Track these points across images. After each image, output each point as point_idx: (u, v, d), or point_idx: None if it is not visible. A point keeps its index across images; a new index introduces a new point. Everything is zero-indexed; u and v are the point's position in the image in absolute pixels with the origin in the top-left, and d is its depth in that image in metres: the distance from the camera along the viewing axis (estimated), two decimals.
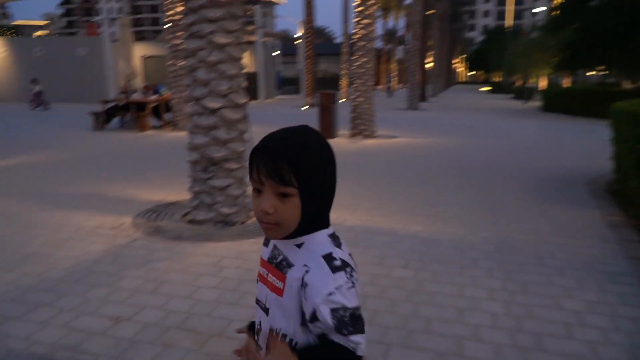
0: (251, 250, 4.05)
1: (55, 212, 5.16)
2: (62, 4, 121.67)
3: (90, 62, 24.68)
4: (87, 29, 34.61)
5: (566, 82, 34.95)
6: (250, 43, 31.24)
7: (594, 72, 28.43)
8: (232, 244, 4.21)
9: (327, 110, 11.51)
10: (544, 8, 56.63)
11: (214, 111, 4.61)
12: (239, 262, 3.79)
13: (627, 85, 52.11)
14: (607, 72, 21.82)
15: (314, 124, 14.26)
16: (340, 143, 10.95)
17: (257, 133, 10.59)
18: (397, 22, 54.23)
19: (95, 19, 66.06)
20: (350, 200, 5.80)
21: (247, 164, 5.15)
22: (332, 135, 11.67)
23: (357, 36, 11.69)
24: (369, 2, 11.45)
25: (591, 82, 59.06)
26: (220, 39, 4.52)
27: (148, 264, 3.71)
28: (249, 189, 5.08)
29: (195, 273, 3.56)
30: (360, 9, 11.51)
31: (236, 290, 3.28)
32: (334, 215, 4.32)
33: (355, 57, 11.83)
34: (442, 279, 3.57)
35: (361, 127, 11.90)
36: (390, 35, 67.44)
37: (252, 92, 27.86)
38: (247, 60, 29.37)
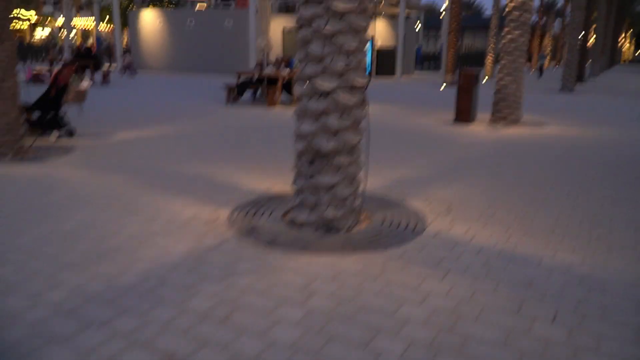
0: (352, 271, 3.30)
1: (156, 196, 4.88)
2: None
3: (236, 34, 25.45)
4: (238, 1, 36.03)
5: None
6: (393, 17, 30.01)
7: None
8: (330, 258, 3.49)
9: (466, 92, 10.21)
10: None
11: (326, 93, 3.87)
12: (334, 287, 3.06)
13: None
14: None
15: (451, 105, 13.00)
16: (478, 130, 9.64)
17: (385, 111, 9.76)
18: None
19: None
20: (484, 209, 4.75)
21: (360, 158, 4.42)
22: (470, 120, 10.36)
23: (512, 4, 10.13)
24: None
25: None
26: (340, 5, 3.73)
27: (229, 277, 3.15)
28: (361, 188, 4.31)
29: (278, 298, 2.90)
30: None
31: (321, 333, 2.56)
32: (460, 229, 3.34)
33: (507, 30, 10.30)
34: (608, 347, 2.51)
35: (505, 111, 10.41)
36: (547, 8, 61.15)
37: (389, 68, 26.81)
38: (387, 34, 28.28)
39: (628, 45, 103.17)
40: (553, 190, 5.45)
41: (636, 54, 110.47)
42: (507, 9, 10.23)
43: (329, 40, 3.79)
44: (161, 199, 4.77)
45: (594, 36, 35.94)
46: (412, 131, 9.30)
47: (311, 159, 4.00)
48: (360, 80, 3.92)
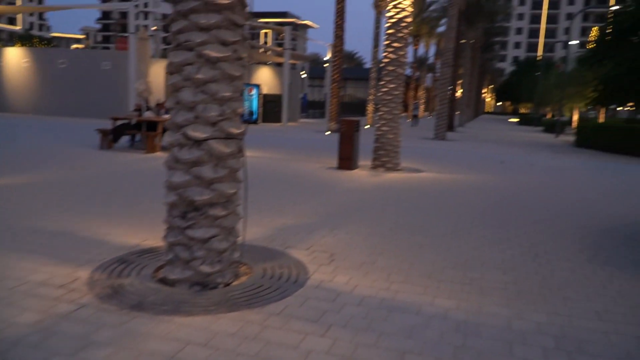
0: (228, 332, 3.05)
1: (5, 256, 4.26)
2: (100, 19, 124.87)
3: (114, 77, 24.34)
4: (118, 43, 34.73)
5: (601, 117, 33.44)
6: (279, 65, 30.70)
7: (621, 108, 26.98)
8: (205, 319, 3.21)
9: (348, 139, 10.55)
10: (577, 42, 55.17)
11: (199, 142, 3.67)
12: (206, 354, 2.78)
13: None
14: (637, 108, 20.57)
15: (335, 151, 13.35)
16: (360, 176, 9.94)
17: (269, 159, 9.66)
18: (428, 49, 53.56)
19: (126, 34, 67.09)
20: (365, 256, 4.76)
21: (238, 209, 4.23)
22: (353, 167, 10.67)
23: (387, 60, 10.78)
24: (402, 24, 10.55)
25: (621, 118, 57.16)
26: (213, 52, 3.61)
27: (84, 351, 2.73)
28: (240, 240, 4.10)
29: None
30: (391, 31, 10.62)
31: None
32: (342, 279, 3.21)
33: (383, 82, 10.90)
34: None
35: (384, 158, 10.89)
36: (419, 63, 66.78)
37: (276, 114, 27.20)
38: (274, 82, 28.83)
39: (489, 98, 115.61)
40: (430, 234, 5.65)
41: (497, 104, 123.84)
42: (382, 64, 10.86)
43: (202, 88, 3.63)
44: (9, 259, 4.16)
45: (461, 89, 39.70)
46: (296, 178, 9.32)
47: (184, 212, 3.73)
48: (236, 129, 3.79)
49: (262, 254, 4.63)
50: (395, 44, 10.53)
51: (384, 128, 10.84)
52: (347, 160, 10.51)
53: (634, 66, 17.20)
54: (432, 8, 39.46)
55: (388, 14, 10.61)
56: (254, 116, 26.28)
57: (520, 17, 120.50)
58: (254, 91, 26.00)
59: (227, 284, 3.83)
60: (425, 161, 13.19)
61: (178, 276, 3.73)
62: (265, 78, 28.13)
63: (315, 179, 9.25)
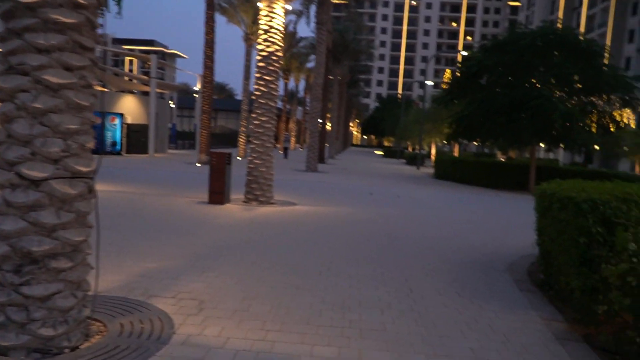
0: None
1: None
2: None
3: None
4: None
5: (455, 151, 36.80)
6: (145, 94, 29.25)
7: (473, 142, 30.28)
8: None
9: (219, 172, 10.13)
10: (432, 82, 60.74)
11: (37, 183, 3.09)
12: None
13: (500, 156, 56.58)
14: (487, 143, 23.02)
15: (206, 184, 12.77)
16: (232, 211, 9.54)
17: (132, 194, 8.83)
18: (298, 83, 55.10)
19: None
20: (238, 302, 4.40)
21: (88, 259, 3.64)
22: (224, 201, 10.25)
23: (258, 93, 10.64)
24: (273, 58, 10.53)
25: (471, 152, 63.62)
26: (54, 78, 3.09)
27: None
28: (91, 293, 3.53)
29: None
30: (262, 64, 10.53)
31: None
32: (213, 331, 2.77)
33: (255, 115, 10.72)
34: None
35: (257, 192, 10.63)
36: (290, 96, 68.41)
37: (141, 145, 25.70)
38: (139, 111, 27.32)
39: (356, 131, 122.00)
40: (306, 274, 5.45)
41: (364, 137, 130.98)
42: (253, 96, 10.71)
43: (40, 119, 3.08)
44: None
45: (330, 123, 41.20)
46: (162, 215, 8.66)
47: (18, 265, 3.10)
48: (84, 167, 3.27)
49: (119, 307, 4.05)
50: (267, 77, 10.46)
51: (257, 161, 10.62)
52: (218, 195, 10.06)
53: (481, 106, 19.02)
54: (301, 44, 40.78)
55: (259, 47, 10.55)
56: (118, 147, 24.57)
57: (382, 57, 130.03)
58: (117, 121, 24.37)
59: (75, 348, 3.24)
60: (298, 193, 13.19)
61: (12, 342, 3.06)
62: (129, 107, 26.56)
63: (183, 216, 8.67)
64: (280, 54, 10.58)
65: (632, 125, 37.29)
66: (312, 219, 9.17)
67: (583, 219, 4.34)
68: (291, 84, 60.28)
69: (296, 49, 41.48)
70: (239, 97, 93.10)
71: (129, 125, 25.52)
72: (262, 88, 10.54)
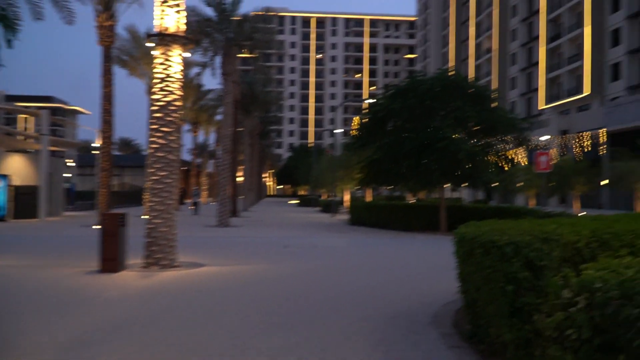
0: None
1: None
2: None
3: None
4: None
5: (368, 195, 37.26)
6: (37, 152, 26.91)
7: (384, 187, 30.83)
8: None
9: (111, 236, 8.99)
10: (341, 130, 62.22)
11: None
12: None
13: (410, 198, 58.49)
14: (397, 186, 23.46)
15: (96, 248, 11.39)
16: (127, 280, 8.40)
17: (10, 267, 7.34)
18: (208, 136, 54.08)
19: None
20: None
21: None
22: (118, 268, 9.07)
23: (155, 146, 9.76)
24: (171, 108, 9.76)
25: (383, 196, 65.22)
26: None
27: None
28: None
29: None
30: (159, 115, 9.72)
31: None
32: None
33: (152, 170, 9.79)
34: None
35: (158, 255, 9.56)
36: (201, 149, 66.99)
37: (31, 209, 23.29)
38: (29, 172, 24.95)
39: (271, 181, 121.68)
40: (207, 356, 4.60)
41: (278, 188, 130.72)
42: (149, 150, 9.82)
43: None
44: None
45: (243, 175, 40.42)
46: (41, 292, 7.37)
47: None
48: None
49: None
50: (165, 129, 9.64)
51: (156, 220, 9.61)
52: (111, 262, 8.89)
53: (389, 151, 19.25)
54: (210, 97, 40.14)
55: (154, 97, 9.77)
56: (2, 212, 22.07)
57: (292, 108, 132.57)
58: (2, 183, 22.00)
59: None
60: (207, 252, 12.19)
61: None
62: (17, 167, 24.16)
63: (67, 291, 7.43)
64: (179, 103, 9.85)
65: (524, 163, 40.07)
66: (221, 282, 8.27)
67: (508, 264, 3.96)
68: (201, 137, 59.11)
69: (204, 101, 40.77)
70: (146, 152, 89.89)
71: (16, 187, 23.10)
72: (159, 140, 9.68)
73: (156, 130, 9.67)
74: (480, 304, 4.47)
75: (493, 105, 19.50)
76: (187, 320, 5.77)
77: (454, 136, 17.97)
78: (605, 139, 41.56)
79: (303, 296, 7.15)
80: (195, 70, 32.36)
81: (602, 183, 41.06)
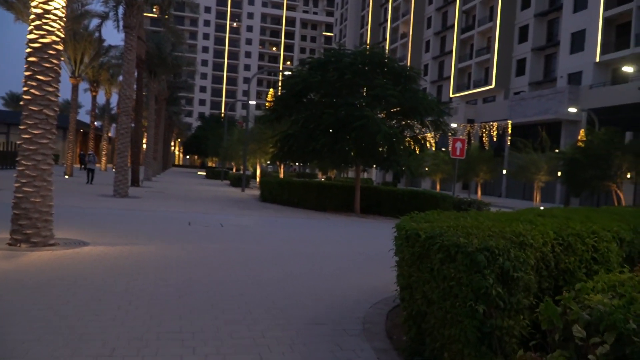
0: None
1: None
2: None
3: None
4: None
5: (281, 172, 36.19)
6: None
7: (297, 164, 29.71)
8: None
9: None
10: (254, 102, 60.22)
11: None
12: None
13: (320, 176, 58.36)
14: (312, 164, 22.52)
15: None
16: None
17: None
18: (110, 97, 49.94)
19: None
20: None
21: None
22: None
23: (28, 98, 7.90)
24: (50, 52, 7.92)
25: (293, 172, 64.43)
26: None
27: None
28: None
29: None
30: (34, 59, 7.85)
31: None
32: None
33: (24, 127, 7.95)
34: None
35: (28, 230, 7.82)
36: (102, 111, 61.93)
37: None
38: None
39: (178, 151, 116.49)
40: None
41: (186, 157, 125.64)
42: (22, 102, 7.95)
43: None
44: None
45: (146, 142, 37.57)
46: None
47: None
48: None
49: None
50: (41, 77, 7.81)
51: (27, 189, 7.82)
52: None
53: (305, 126, 18.23)
54: (112, 54, 36.57)
55: (30, 36, 7.86)
56: None
57: (204, 76, 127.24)
58: None
59: None
60: (97, 227, 10.49)
61: None
62: None
63: None
64: (59, 47, 8.02)
65: (433, 148, 41.04)
66: (104, 267, 6.80)
67: (479, 277, 3.05)
68: (103, 98, 54.58)
69: (106, 58, 37.10)
70: None
71: None
72: (34, 91, 7.83)
73: (30, 77, 7.80)
74: (433, 322, 3.54)
75: (416, 86, 19.06)
76: (45, 322, 4.36)
77: (373, 115, 17.25)
78: (510, 131, 43.61)
79: (203, 290, 5.93)
80: (95, 22, 29.13)
81: (503, 172, 43.20)
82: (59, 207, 13.65)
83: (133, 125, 30.34)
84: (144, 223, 11.86)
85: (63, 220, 10.80)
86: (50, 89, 7.88)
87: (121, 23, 19.50)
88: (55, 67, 7.95)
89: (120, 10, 19.44)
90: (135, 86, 28.44)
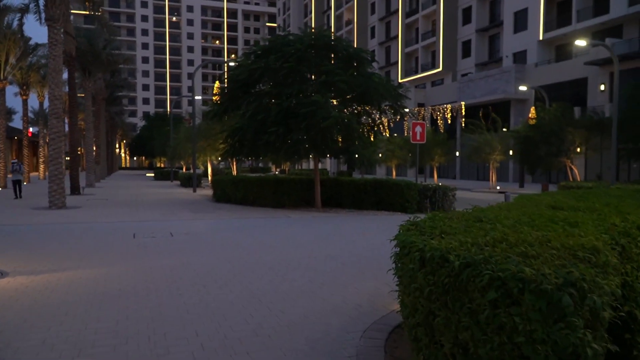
0: None
1: None
2: None
3: None
4: None
5: (233, 168, 34.68)
6: None
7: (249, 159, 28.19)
8: None
9: None
10: (200, 97, 58.14)
11: None
12: None
13: (274, 170, 56.83)
14: (264, 158, 21.29)
15: None
16: None
17: None
18: (43, 100, 46.67)
19: None
20: None
21: None
22: None
23: None
24: None
25: (246, 167, 62.51)
26: None
27: None
28: None
29: None
30: None
31: None
32: None
33: None
34: None
35: None
36: (36, 116, 58.09)
37: None
38: None
39: (124, 153, 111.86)
40: None
41: (134, 159, 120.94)
42: None
43: None
44: None
45: (84, 145, 35.14)
46: None
47: None
48: None
49: None
50: None
51: None
52: None
53: (253, 118, 16.99)
54: (40, 53, 33.79)
55: None
56: None
57: (146, 74, 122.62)
58: None
59: None
60: (23, 250, 8.97)
61: None
62: None
63: None
64: None
65: (387, 134, 40.55)
66: (18, 310, 5.45)
67: (565, 330, 2.04)
68: (35, 102, 51.04)
69: (34, 57, 34.29)
70: None
71: None
72: None
73: None
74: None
75: (369, 70, 18.08)
76: None
77: (322, 101, 16.13)
78: (464, 112, 43.67)
79: (144, 334, 4.72)
80: (17, 18, 26.54)
81: (457, 154, 43.30)
82: None
83: (67, 128, 28.08)
84: (81, 239, 10.39)
85: None
86: None
87: (43, 15, 17.53)
88: None
89: (41, 1, 17.44)
90: (67, 86, 26.19)
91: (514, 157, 31.52)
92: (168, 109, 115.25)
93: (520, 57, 43.19)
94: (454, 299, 2.57)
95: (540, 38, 40.80)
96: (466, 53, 51.99)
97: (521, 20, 43.07)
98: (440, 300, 2.72)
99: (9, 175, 20.85)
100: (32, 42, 32.07)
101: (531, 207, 4.51)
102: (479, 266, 2.37)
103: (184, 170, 49.01)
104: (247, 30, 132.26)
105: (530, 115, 31.75)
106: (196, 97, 35.68)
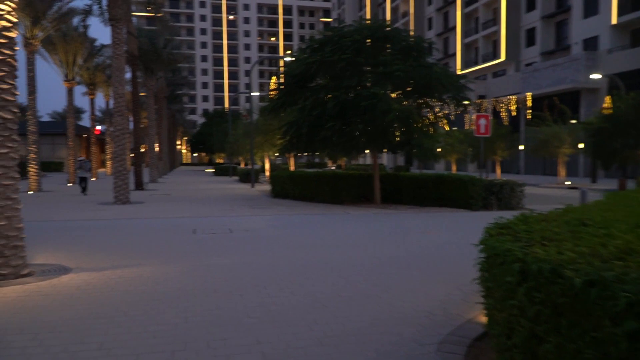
0: None
1: None
2: None
3: None
4: None
5: (291, 164, 34.68)
6: None
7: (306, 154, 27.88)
8: None
9: None
10: (257, 94, 58.64)
11: None
12: None
13: (330, 165, 56.38)
14: (322, 153, 20.97)
15: None
16: None
17: None
18: (109, 100, 48.61)
19: None
20: None
21: None
22: None
23: None
24: (1, 41, 6.45)
25: (302, 163, 62.60)
26: None
27: None
28: None
29: None
30: None
31: None
32: None
33: None
34: None
35: None
36: (105, 115, 60.68)
37: None
38: None
39: (185, 149, 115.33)
40: None
41: (194, 155, 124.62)
42: None
43: None
44: None
45: (148, 142, 36.19)
46: None
47: None
48: None
49: None
50: None
51: None
52: None
53: (311, 113, 16.67)
54: (106, 54, 35.08)
55: None
56: None
57: (205, 72, 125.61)
58: None
59: None
60: (86, 245, 9.08)
61: None
62: None
63: None
64: (12, 34, 6.55)
65: (446, 127, 39.26)
66: (79, 309, 5.36)
67: None
68: (102, 101, 53.20)
69: (100, 58, 35.65)
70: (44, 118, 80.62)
71: None
72: None
73: None
74: None
75: (429, 60, 17.34)
76: None
77: (382, 94, 15.56)
78: (531, 104, 41.69)
79: (204, 340, 4.46)
80: (77, 19, 27.56)
81: (520, 148, 41.37)
82: (49, 221, 12.32)
83: (132, 126, 28.93)
84: (143, 235, 10.44)
85: (50, 238, 9.43)
86: (5, 87, 6.41)
87: (106, 16, 17.99)
88: (9, 60, 6.47)
89: (104, 2, 17.89)
90: (130, 84, 26.97)
91: (585, 150, 29.64)
92: (226, 106, 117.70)
93: (590, 44, 40.66)
94: (572, 325, 2.08)
95: (614, 22, 38.18)
96: (530, 41, 49.57)
97: (592, 4, 40.50)
98: (549, 323, 2.23)
99: (77, 172, 21.59)
100: (97, 44, 33.30)
101: (638, 207, 3.89)
102: (610, 286, 1.88)
103: (242, 165, 49.69)
104: (302, 26, 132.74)
105: (604, 104, 29.72)
106: (253, 94, 35.93)
